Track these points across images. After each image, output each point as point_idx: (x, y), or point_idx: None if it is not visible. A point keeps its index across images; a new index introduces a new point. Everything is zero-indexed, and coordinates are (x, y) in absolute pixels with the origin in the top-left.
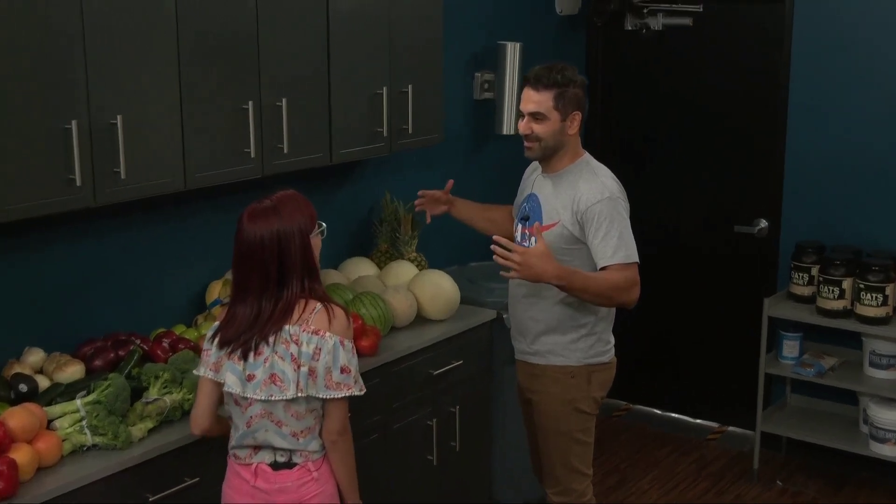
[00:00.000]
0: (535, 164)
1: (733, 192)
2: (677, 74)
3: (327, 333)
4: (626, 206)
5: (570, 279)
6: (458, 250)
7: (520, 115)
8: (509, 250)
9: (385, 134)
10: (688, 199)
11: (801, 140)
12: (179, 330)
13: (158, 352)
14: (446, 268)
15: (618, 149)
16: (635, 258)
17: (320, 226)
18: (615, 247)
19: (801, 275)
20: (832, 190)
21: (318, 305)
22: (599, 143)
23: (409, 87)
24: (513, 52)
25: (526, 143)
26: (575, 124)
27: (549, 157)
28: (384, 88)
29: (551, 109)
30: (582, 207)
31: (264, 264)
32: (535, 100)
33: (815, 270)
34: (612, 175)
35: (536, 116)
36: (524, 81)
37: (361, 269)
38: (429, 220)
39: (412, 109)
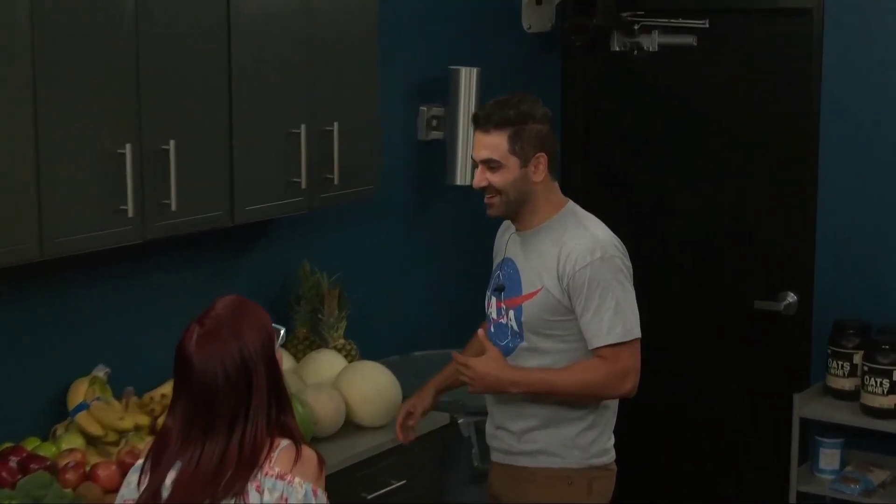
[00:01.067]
0: (508, 222)
1: (753, 257)
2: (678, 107)
3: (296, 479)
4: (627, 265)
5: (531, 384)
6: (399, 336)
7: (474, 164)
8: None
9: (304, 185)
10: (695, 268)
11: (838, 190)
12: (32, 444)
13: (3, 474)
14: (384, 359)
15: (602, 200)
16: (635, 333)
17: (277, 332)
18: (610, 323)
19: (840, 363)
20: (879, 254)
21: (285, 442)
22: (581, 193)
23: (336, 124)
24: (468, 80)
25: (486, 199)
26: (540, 169)
27: (518, 211)
28: (302, 126)
29: (507, 154)
30: (569, 270)
31: (230, 403)
32: (487, 144)
33: (858, 357)
34: (605, 227)
35: (490, 164)
36: (474, 120)
37: None
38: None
39: (339, 153)
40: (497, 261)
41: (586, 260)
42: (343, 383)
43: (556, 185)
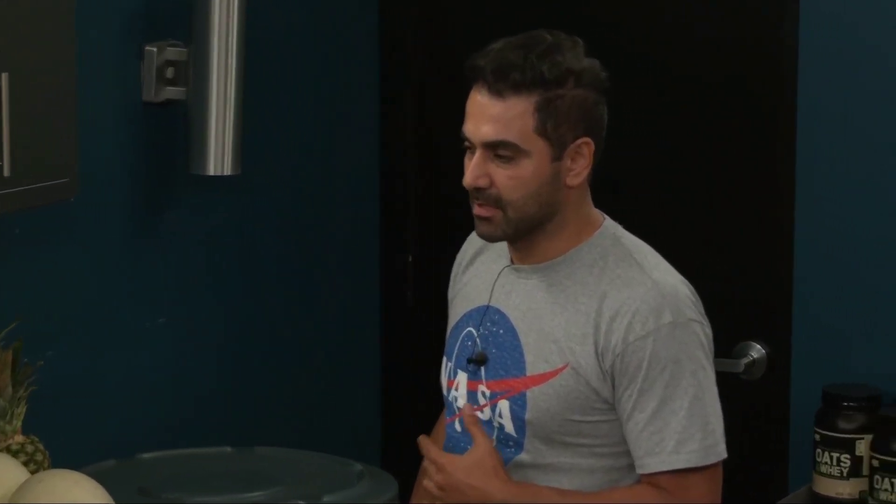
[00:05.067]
0: (478, 240)
1: (697, 291)
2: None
3: None
4: (709, 335)
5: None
6: (116, 429)
7: (464, 144)
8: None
9: None
10: None
11: (828, 184)
12: None
13: None
14: (91, 466)
15: (447, 203)
16: (720, 452)
17: None
18: (680, 434)
19: (835, 455)
20: (888, 282)
21: None
22: (414, 193)
23: (3, 76)
24: (226, 1)
25: (477, 210)
26: (581, 163)
27: (529, 232)
28: None
29: (531, 136)
30: (616, 341)
31: None
32: (497, 115)
33: (862, 446)
34: (668, 265)
35: (500, 151)
36: (472, 73)
37: None
38: None
39: (11, 125)
40: (465, 308)
41: (646, 327)
42: None
43: (588, 192)
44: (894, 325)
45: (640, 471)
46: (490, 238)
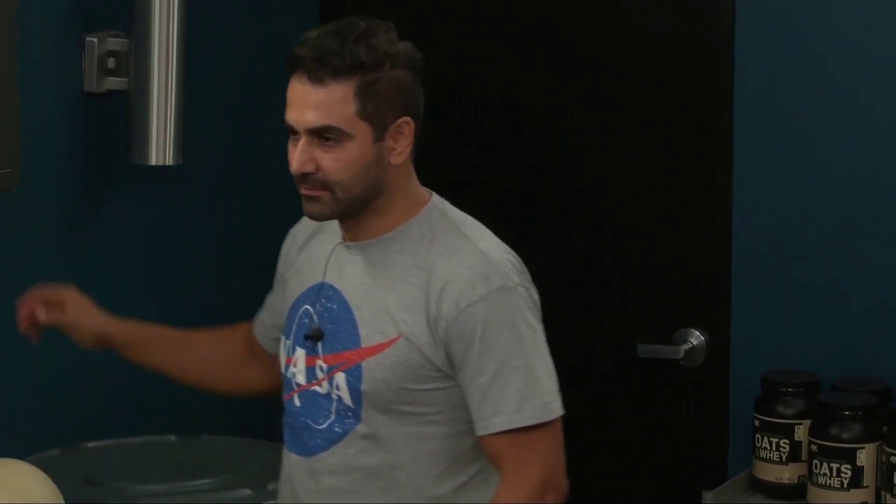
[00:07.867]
0: (312, 222)
1: (634, 278)
2: (518, 59)
3: None
4: (535, 299)
5: None
6: (60, 417)
7: (289, 131)
8: None
9: None
10: (552, 297)
11: (764, 175)
12: None
13: None
14: (35, 455)
15: None
16: (557, 408)
17: None
18: (520, 391)
19: (774, 441)
20: (824, 271)
21: None
22: None
23: None
24: None
25: (305, 191)
26: (403, 142)
27: (357, 212)
28: None
29: (353, 119)
30: (447, 309)
31: None
32: (318, 102)
33: (801, 431)
34: (493, 235)
35: (325, 136)
36: (292, 62)
37: None
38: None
39: None
40: (302, 287)
41: (477, 292)
42: None
43: (412, 169)
44: (832, 312)
45: (483, 432)
46: (319, 217)
